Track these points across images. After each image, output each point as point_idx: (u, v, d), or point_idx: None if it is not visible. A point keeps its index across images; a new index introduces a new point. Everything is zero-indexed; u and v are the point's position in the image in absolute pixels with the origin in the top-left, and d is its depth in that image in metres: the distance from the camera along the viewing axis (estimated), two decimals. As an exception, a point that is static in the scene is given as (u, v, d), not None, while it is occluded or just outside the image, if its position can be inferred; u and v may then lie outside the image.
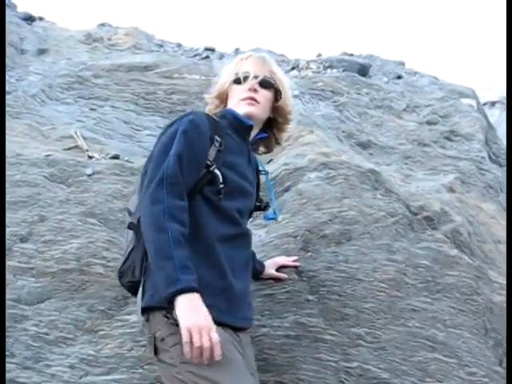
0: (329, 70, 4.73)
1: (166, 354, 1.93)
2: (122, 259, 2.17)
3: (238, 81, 2.28)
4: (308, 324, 2.55)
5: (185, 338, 1.78)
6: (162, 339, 1.93)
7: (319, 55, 5.28)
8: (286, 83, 2.36)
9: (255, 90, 2.24)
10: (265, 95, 2.28)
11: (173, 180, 1.93)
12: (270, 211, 2.47)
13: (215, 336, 1.80)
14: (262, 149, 2.47)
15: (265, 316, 2.58)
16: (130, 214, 2.18)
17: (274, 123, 2.39)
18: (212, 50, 5.10)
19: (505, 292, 3.04)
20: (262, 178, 2.48)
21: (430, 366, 2.57)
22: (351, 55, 5.35)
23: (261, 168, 2.41)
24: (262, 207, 2.42)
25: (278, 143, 2.47)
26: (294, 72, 4.74)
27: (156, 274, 1.86)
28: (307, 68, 4.84)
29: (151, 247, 1.87)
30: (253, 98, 2.24)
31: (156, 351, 1.97)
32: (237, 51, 5.32)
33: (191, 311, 1.79)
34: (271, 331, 2.53)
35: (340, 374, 2.49)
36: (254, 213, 2.49)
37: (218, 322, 1.85)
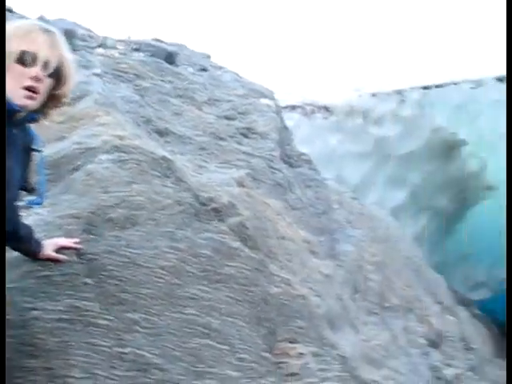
0: (136, 53, 4.68)
1: None
2: None
3: (22, 61, 2.03)
4: (83, 308, 2.48)
5: None
6: None
7: (129, 37, 5.20)
8: (73, 71, 2.19)
9: (39, 79, 2.05)
10: (47, 85, 2.10)
11: None
12: (35, 195, 2.31)
13: None
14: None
15: (38, 298, 2.46)
16: None
17: (46, 105, 2.19)
18: (11, 11, 4.75)
19: (283, 284, 3.21)
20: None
21: (203, 352, 2.63)
22: (161, 42, 5.35)
23: (35, 147, 2.24)
24: (28, 189, 2.25)
25: (45, 118, 2.26)
26: (100, 50, 4.62)
27: None
28: (114, 48, 4.75)
29: None
30: (34, 90, 2.04)
31: None
32: (41, 19, 5.03)
33: None
34: (43, 314, 2.42)
35: (113, 360, 2.45)
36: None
37: None
